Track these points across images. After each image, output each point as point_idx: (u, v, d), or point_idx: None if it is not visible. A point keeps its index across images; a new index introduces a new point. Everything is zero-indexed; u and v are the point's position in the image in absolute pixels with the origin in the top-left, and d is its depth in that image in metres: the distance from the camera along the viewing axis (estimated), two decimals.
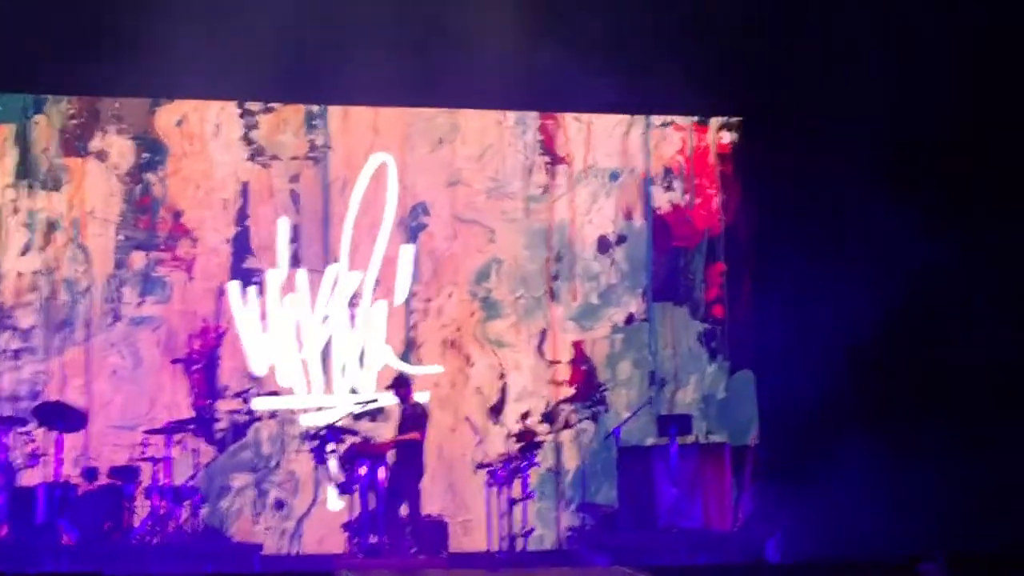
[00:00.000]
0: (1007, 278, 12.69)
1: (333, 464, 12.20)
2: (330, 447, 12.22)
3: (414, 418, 12.48)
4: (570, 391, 14.20)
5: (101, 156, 13.73)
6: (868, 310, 12.96)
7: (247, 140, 14.01)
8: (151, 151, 13.82)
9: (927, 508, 11.95)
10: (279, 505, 13.46)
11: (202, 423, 13.04)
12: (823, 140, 13.33)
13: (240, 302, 13.69)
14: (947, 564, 9.46)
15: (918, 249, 12.56)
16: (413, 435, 12.26)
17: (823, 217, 13.47)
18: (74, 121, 13.72)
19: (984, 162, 12.78)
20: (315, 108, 14.20)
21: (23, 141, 13.61)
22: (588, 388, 14.22)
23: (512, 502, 12.03)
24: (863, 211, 13.20)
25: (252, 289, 13.75)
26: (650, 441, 13.63)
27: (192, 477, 12.48)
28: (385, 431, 13.17)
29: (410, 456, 12.18)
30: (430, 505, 12.68)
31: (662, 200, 14.67)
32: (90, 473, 12.33)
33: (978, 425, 12.39)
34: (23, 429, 12.42)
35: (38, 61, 12.84)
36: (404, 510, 12.11)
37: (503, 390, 14.06)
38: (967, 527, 11.27)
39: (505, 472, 12.12)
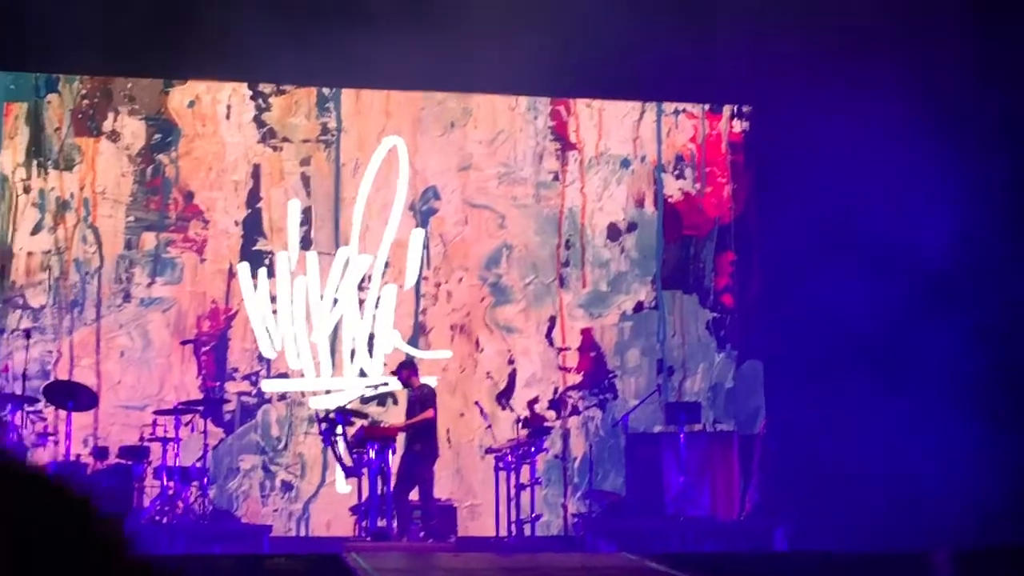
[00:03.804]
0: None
1: (341, 447, 12.21)
2: (339, 430, 12.22)
3: (422, 400, 12.47)
4: (578, 378, 14.22)
5: (113, 136, 13.73)
6: (877, 301, 12.97)
7: (259, 122, 14.02)
8: (163, 132, 13.83)
9: (934, 500, 11.96)
10: (287, 487, 13.49)
11: (211, 404, 13.04)
12: (835, 130, 13.32)
13: (250, 284, 13.71)
14: (953, 558, 9.46)
15: (929, 240, 12.56)
16: (427, 414, 12.25)
17: (834, 207, 13.45)
18: (87, 101, 13.72)
19: (998, 141, 12.75)
20: (327, 91, 14.20)
21: (35, 120, 13.62)
22: (596, 375, 14.24)
23: (520, 488, 12.07)
24: (874, 202, 13.20)
25: (262, 271, 13.76)
26: (658, 429, 13.66)
27: (201, 458, 12.50)
28: (394, 415, 13.19)
29: (424, 440, 12.19)
30: (439, 489, 12.69)
31: (673, 188, 14.68)
32: (100, 452, 12.34)
33: (986, 419, 12.39)
34: (33, 408, 12.45)
35: (52, 40, 12.83)
36: (415, 494, 12.12)
37: (512, 376, 14.07)
38: (976, 522, 11.27)
39: (513, 458, 12.16)
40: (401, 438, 12.25)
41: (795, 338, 13.57)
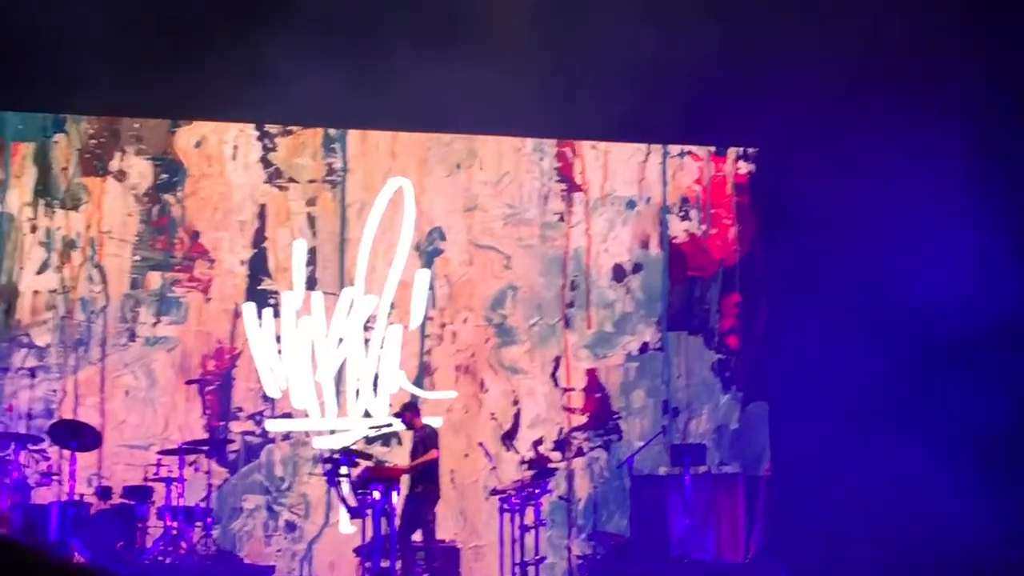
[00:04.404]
0: None
1: (346, 487, 12.17)
2: (343, 470, 12.18)
3: (425, 441, 12.46)
4: (583, 419, 14.19)
5: (120, 176, 13.77)
6: (883, 343, 12.96)
7: (265, 162, 14.06)
8: (170, 172, 13.87)
9: (941, 543, 11.91)
10: (291, 527, 13.45)
11: (215, 444, 13.00)
12: (840, 172, 13.33)
13: (255, 324, 13.71)
14: None
15: (935, 279, 12.55)
16: (431, 454, 12.24)
17: (839, 249, 13.46)
18: (94, 141, 13.77)
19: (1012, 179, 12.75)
20: (333, 132, 14.25)
21: (43, 160, 13.66)
22: (601, 416, 14.22)
23: (524, 529, 12.02)
24: (881, 243, 13.20)
25: (268, 311, 13.77)
26: (663, 470, 13.62)
27: (205, 498, 12.46)
28: (398, 456, 13.16)
29: (427, 481, 12.18)
30: (443, 530, 12.66)
31: (678, 229, 14.70)
32: (103, 492, 12.31)
33: (994, 455, 12.34)
34: (37, 447, 12.44)
35: (59, 81, 12.88)
36: (418, 536, 12.09)
37: (516, 416, 14.05)
38: (982, 566, 11.22)
39: (518, 499, 12.13)
40: (405, 479, 12.22)
41: (800, 380, 13.55)
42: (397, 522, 11.88)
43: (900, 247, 13.06)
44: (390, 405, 13.70)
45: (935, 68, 12.66)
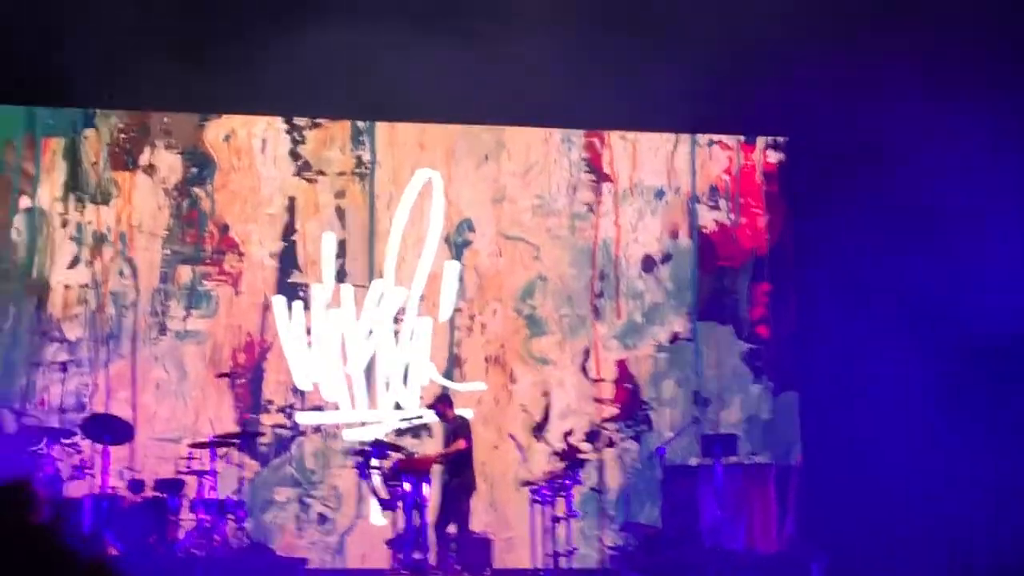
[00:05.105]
0: None
1: (377, 480, 12.18)
2: (374, 462, 12.19)
3: (456, 432, 12.45)
4: (614, 410, 14.17)
5: (150, 170, 13.82)
6: (914, 332, 12.90)
7: (294, 155, 14.08)
8: (199, 166, 13.91)
9: (972, 535, 11.86)
10: (322, 520, 13.48)
11: (246, 437, 13.03)
12: (869, 160, 13.27)
13: (285, 317, 13.74)
14: None
15: (969, 270, 12.49)
16: (459, 444, 12.23)
17: (869, 238, 13.40)
18: (124, 135, 13.82)
19: None
20: (361, 124, 14.25)
21: (73, 155, 13.72)
22: (632, 407, 14.19)
23: (555, 520, 12.02)
24: (911, 232, 13.13)
25: (297, 304, 13.79)
26: (694, 461, 13.58)
27: (237, 491, 12.48)
28: (429, 447, 13.15)
29: (461, 473, 12.18)
30: (475, 522, 12.65)
31: (708, 219, 14.65)
32: (136, 485, 12.35)
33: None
34: (69, 440, 12.49)
35: (89, 76, 12.91)
36: (452, 527, 12.08)
37: (547, 408, 14.04)
38: (1016, 560, 11.16)
39: (549, 490, 12.12)
40: (438, 471, 12.22)
41: (831, 369, 13.50)
42: (432, 514, 11.88)
43: (932, 237, 12.99)
44: (420, 397, 13.71)
45: (971, 54, 12.56)
